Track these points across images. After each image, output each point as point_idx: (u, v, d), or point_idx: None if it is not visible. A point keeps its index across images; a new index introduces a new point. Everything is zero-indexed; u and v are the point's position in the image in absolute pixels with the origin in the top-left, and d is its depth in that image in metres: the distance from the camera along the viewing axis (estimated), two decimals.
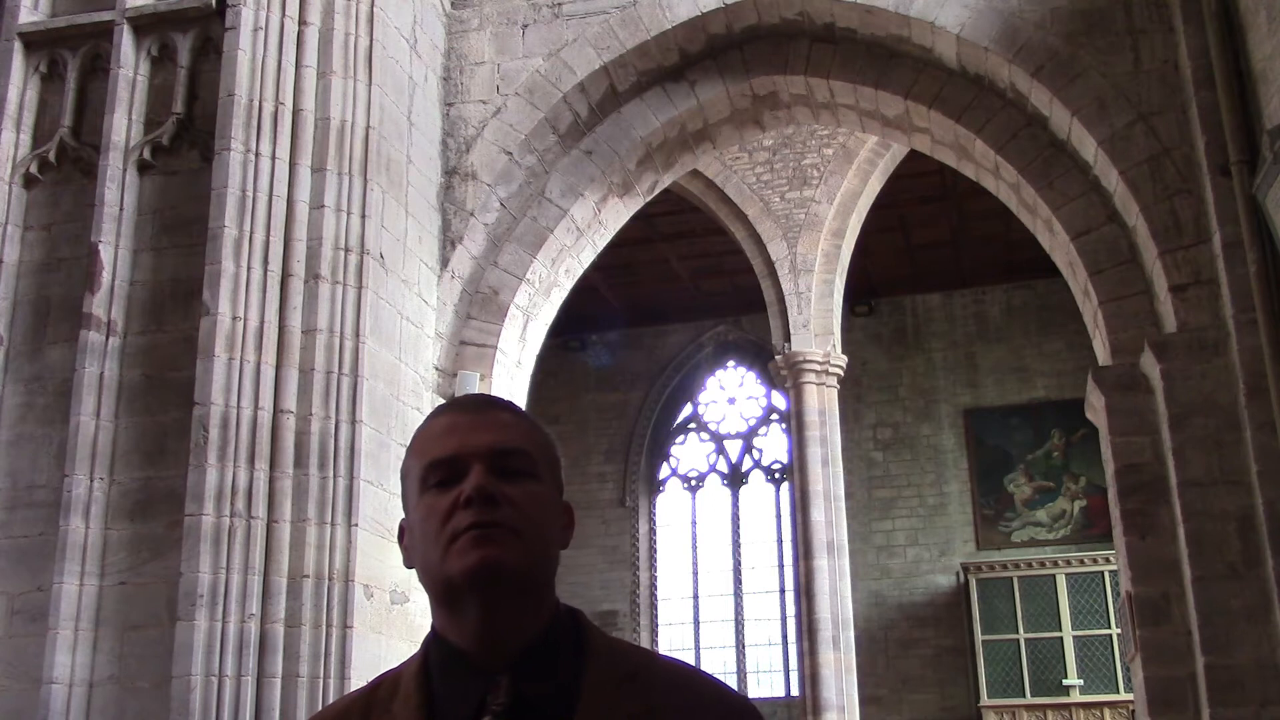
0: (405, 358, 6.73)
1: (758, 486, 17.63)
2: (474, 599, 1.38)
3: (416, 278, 6.99)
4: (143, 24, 6.68)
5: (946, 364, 16.25)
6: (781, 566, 16.85)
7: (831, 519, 11.95)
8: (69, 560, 5.75)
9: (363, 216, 6.35)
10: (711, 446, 17.88)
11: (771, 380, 14.06)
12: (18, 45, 6.75)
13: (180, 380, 5.99)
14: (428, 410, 6.91)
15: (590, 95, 7.43)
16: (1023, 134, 6.78)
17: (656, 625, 16.99)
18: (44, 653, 5.62)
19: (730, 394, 17.95)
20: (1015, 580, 14.59)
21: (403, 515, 1.50)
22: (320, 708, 5.56)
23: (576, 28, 7.42)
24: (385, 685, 1.47)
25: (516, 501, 1.40)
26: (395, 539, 6.06)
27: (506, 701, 1.36)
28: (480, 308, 7.34)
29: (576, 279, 8.03)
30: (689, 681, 1.43)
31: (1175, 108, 6.22)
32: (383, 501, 6.20)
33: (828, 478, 12.06)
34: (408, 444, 1.51)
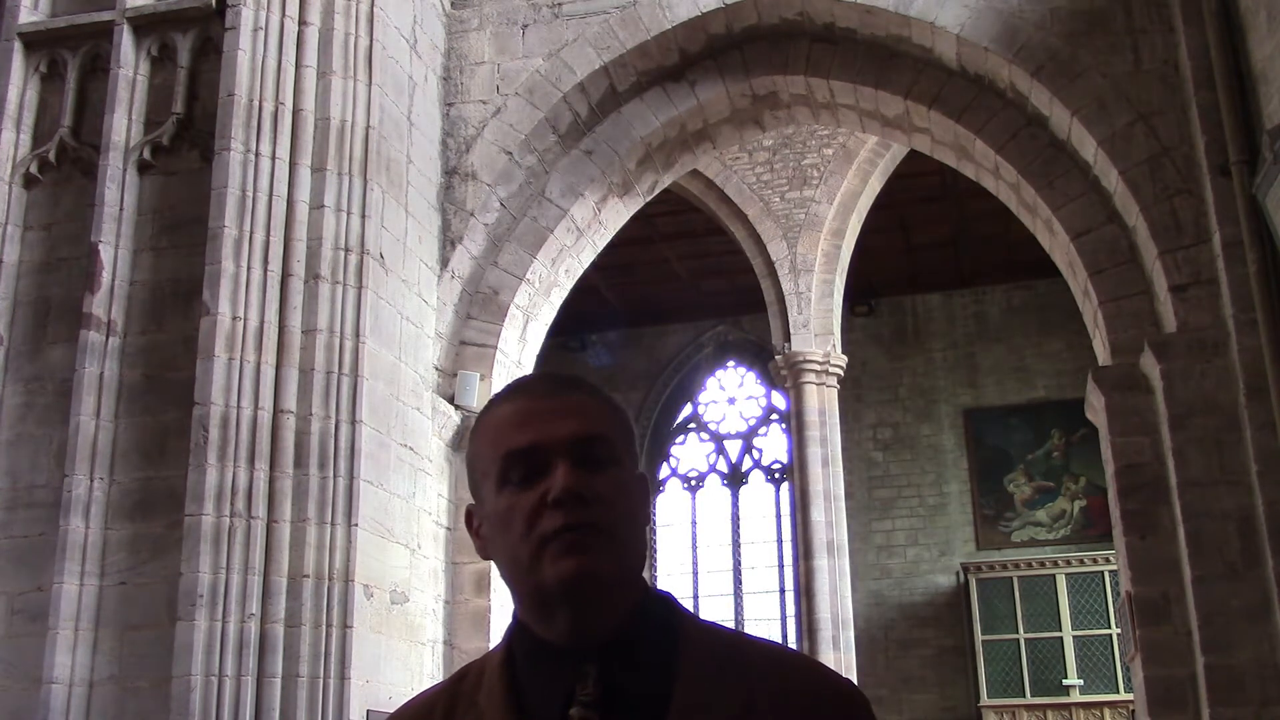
0: (405, 358, 6.73)
1: (758, 486, 17.63)
2: (567, 605, 1.33)
3: (416, 278, 6.99)
4: (143, 24, 6.68)
5: (946, 364, 16.24)
6: (781, 566, 16.85)
7: (831, 519, 11.95)
8: (69, 560, 5.75)
9: (363, 216, 6.35)
10: (711, 446, 17.87)
11: (771, 380, 14.06)
12: (18, 45, 6.75)
13: (180, 380, 5.99)
14: (428, 410, 6.91)
15: (590, 95, 7.43)
16: (1023, 134, 6.79)
17: None
18: (44, 653, 5.62)
19: (730, 394, 17.95)
20: (1015, 580, 14.58)
21: (469, 502, 1.44)
22: (320, 708, 5.56)
23: (576, 28, 7.43)
24: (470, 677, 1.42)
25: (605, 496, 1.34)
26: (395, 539, 6.01)
27: (596, 692, 1.31)
28: (480, 308, 7.34)
29: (576, 279, 8.04)
30: (787, 663, 1.38)
31: (1175, 108, 6.22)
32: (383, 501, 6.20)
33: (828, 478, 12.05)
34: (472, 429, 1.44)
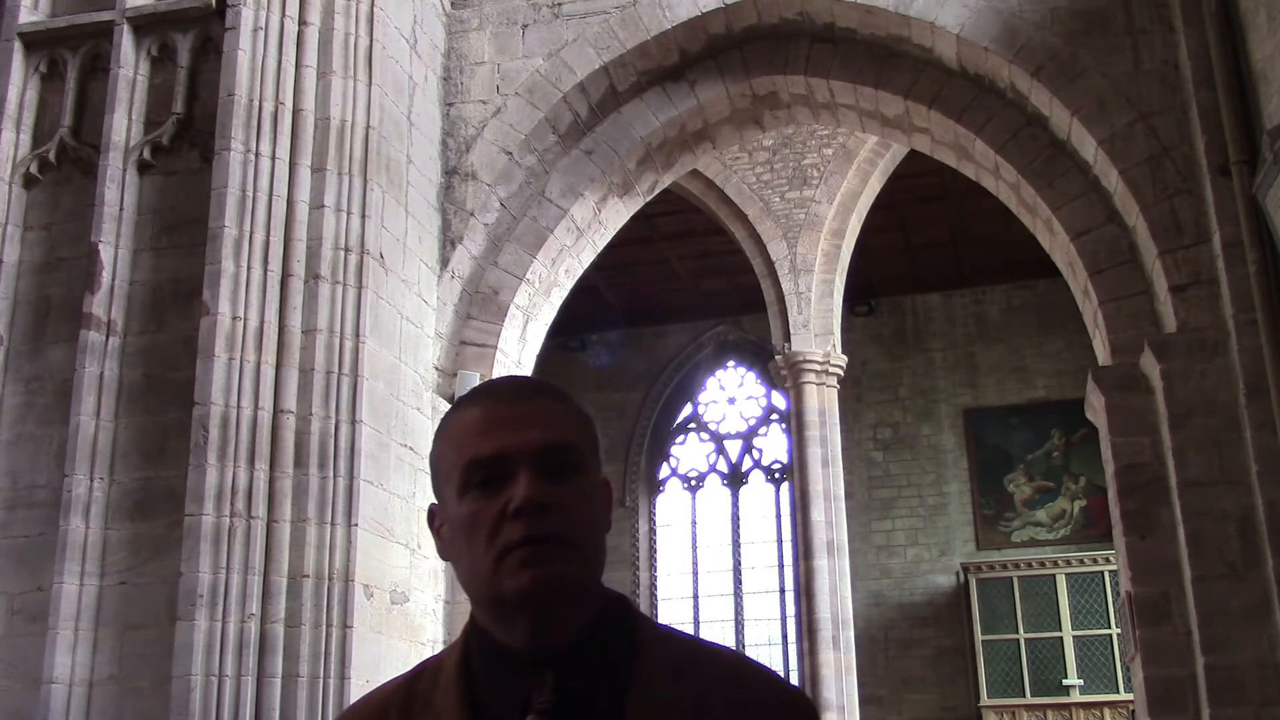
0: (405, 358, 6.73)
1: (758, 486, 17.63)
2: (526, 615, 1.33)
3: (416, 278, 6.99)
4: (143, 24, 6.68)
5: (946, 364, 16.24)
6: (781, 566, 16.85)
7: (831, 519, 11.95)
8: (69, 560, 5.75)
9: (363, 216, 6.35)
10: (711, 446, 17.87)
11: (771, 380, 14.05)
12: (18, 45, 6.75)
13: (180, 380, 5.99)
14: (428, 410, 6.91)
15: (590, 95, 7.43)
16: (1023, 134, 6.78)
17: None
18: (44, 653, 5.62)
19: (730, 394, 17.95)
20: (1015, 580, 14.59)
21: (432, 501, 1.44)
22: (320, 708, 5.56)
23: (576, 28, 7.42)
24: (426, 675, 1.42)
25: (567, 506, 1.34)
26: (395, 539, 6.03)
27: (552, 699, 1.31)
28: (480, 308, 7.34)
29: (576, 279, 8.03)
30: (743, 672, 1.39)
31: (1175, 108, 6.22)
32: (383, 501, 6.20)
33: (828, 478, 12.05)
34: (437, 429, 1.43)
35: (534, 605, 1.31)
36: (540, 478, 1.33)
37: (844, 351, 12.68)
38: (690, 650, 1.41)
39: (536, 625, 1.33)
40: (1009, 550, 15.23)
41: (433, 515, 1.44)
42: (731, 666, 1.40)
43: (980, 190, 7.87)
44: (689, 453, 17.89)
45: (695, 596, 17.24)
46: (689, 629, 17.06)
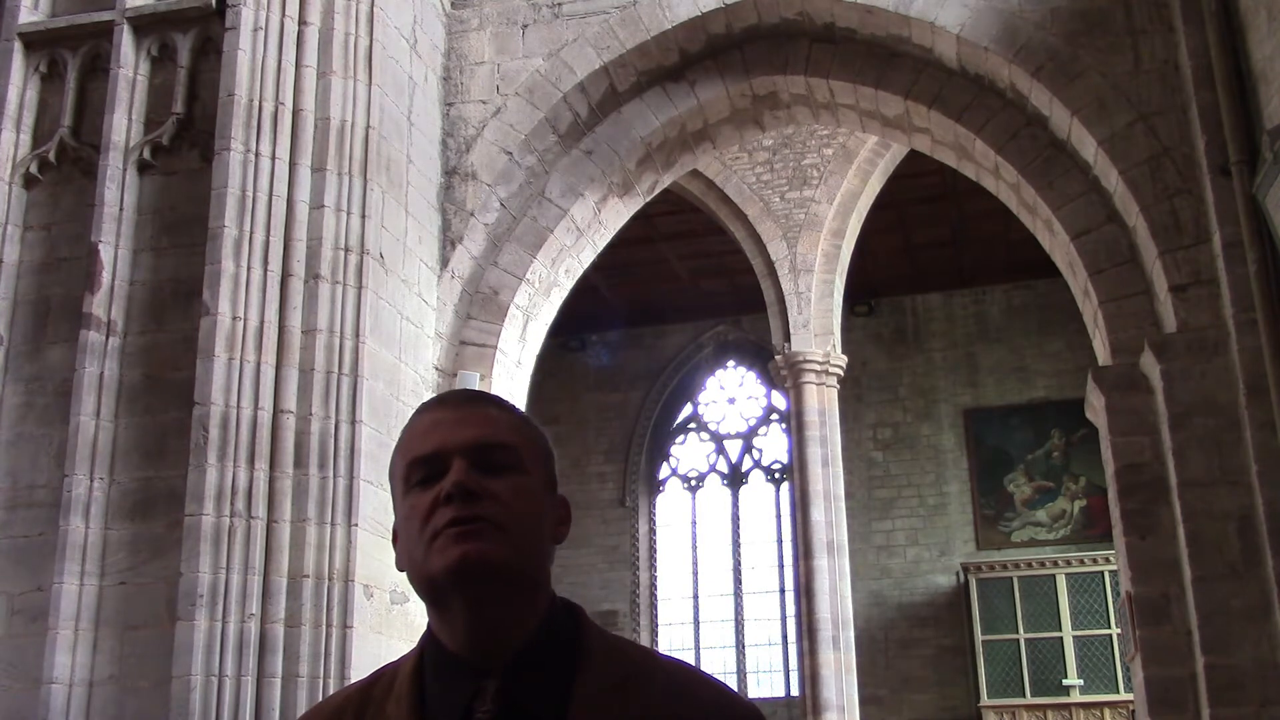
0: (405, 358, 6.73)
1: (758, 486, 17.63)
2: (459, 597, 1.34)
3: (416, 278, 6.99)
4: (143, 24, 6.68)
5: (946, 364, 16.24)
6: (781, 566, 16.85)
7: (831, 519, 11.95)
8: (69, 560, 5.75)
9: (363, 216, 6.35)
10: (711, 446, 17.87)
11: (771, 380, 14.05)
12: (18, 45, 6.75)
13: (180, 380, 5.99)
14: None
15: (590, 95, 7.43)
16: (1023, 134, 6.78)
17: (656, 625, 16.99)
18: (44, 653, 5.62)
19: (730, 394, 17.95)
20: (1015, 580, 14.59)
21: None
22: None
23: (576, 28, 7.42)
24: (382, 681, 1.45)
25: (500, 495, 1.36)
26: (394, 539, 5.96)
27: (493, 707, 1.33)
28: (480, 308, 7.34)
29: (576, 279, 8.03)
30: (689, 685, 1.39)
31: (1175, 108, 6.22)
32: (383, 501, 6.20)
33: (828, 478, 12.05)
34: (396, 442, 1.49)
35: (462, 581, 1.33)
36: (473, 470, 1.37)
37: (844, 351, 12.68)
38: (638, 662, 1.41)
39: (470, 609, 1.34)
40: (1009, 550, 15.24)
41: (396, 534, 1.47)
42: (679, 680, 1.40)
43: (980, 190, 7.87)
44: (689, 453, 17.90)
45: (695, 596, 17.25)
46: (689, 629, 17.10)
